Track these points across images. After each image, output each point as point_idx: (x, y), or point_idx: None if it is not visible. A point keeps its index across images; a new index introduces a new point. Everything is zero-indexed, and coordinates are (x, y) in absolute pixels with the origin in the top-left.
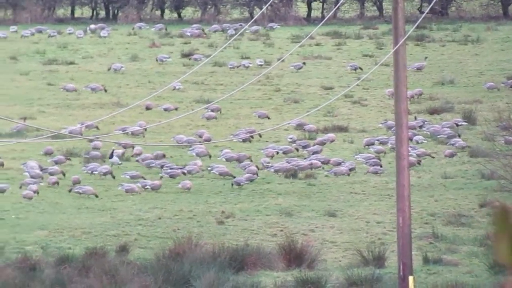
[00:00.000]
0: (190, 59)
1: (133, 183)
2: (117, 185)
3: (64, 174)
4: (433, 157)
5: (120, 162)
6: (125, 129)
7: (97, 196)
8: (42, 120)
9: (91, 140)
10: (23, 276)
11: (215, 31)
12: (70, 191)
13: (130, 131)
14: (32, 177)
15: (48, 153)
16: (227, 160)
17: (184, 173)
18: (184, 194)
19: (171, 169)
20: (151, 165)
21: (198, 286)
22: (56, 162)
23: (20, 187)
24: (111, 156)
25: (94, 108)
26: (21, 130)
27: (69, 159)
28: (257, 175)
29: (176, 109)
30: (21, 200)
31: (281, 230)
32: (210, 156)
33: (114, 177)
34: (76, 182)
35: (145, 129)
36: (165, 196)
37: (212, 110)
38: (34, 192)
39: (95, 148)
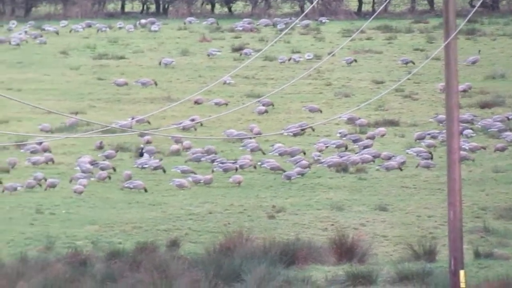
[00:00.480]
0: (240, 54)
1: (184, 177)
2: (168, 180)
3: (114, 169)
4: (485, 149)
5: (150, 159)
6: (180, 124)
7: (146, 191)
8: (92, 114)
9: (142, 135)
10: (73, 271)
11: (265, 25)
12: (122, 188)
13: (182, 126)
14: (83, 171)
15: (99, 148)
16: (280, 154)
17: (236, 169)
18: (235, 188)
19: (222, 163)
20: (201, 159)
21: (249, 281)
22: (107, 157)
23: (70, 181)
24: (141, 154)
25: (145, 103)
26: (73, 124)
27: (117, 151)
28: (309, 168)
29: (226, 104)
30: (71, 195)
31: (332, 224)
32: (264, 152)
33: (165, 171)
34: (128, 178)
35: (201, 124)
36: (215, 191)
37: (264, 105)
38: (85, 186)
39: (148, 143)
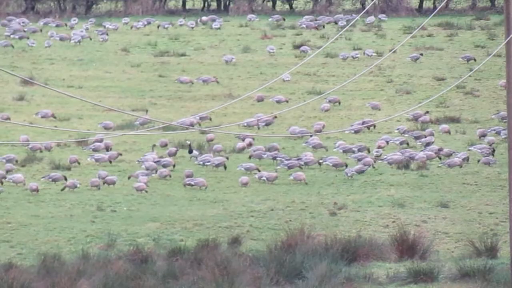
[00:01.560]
0: (301, 51)
1: (248, 175)
2: (230, 177)
3: (174, 166)
4: None
5: (198, 154)
6: (244, 122)
7: (206, 188)
8: (153, 112)
9: (204, 132)
10: (135, 269)
11: (327, 23)
12: (184, 186)
13: (246, 123)
14: (147, 169)
15: (162, 145)
16: (344, 151)
17: (300, 166)
18: (296, 185)
19: (287, 160)
20: (263, 156)
21: (311, 278)
22: (169, 154)
23: (129, 178)
24: (190, 151)
25: (206, 100)
26: (145, 122)
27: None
28: (373, 166)
29: (287, 101)
30: (132, 192)
31: (394, 221)
32: (326, 149)
33: (225, 168)
34: (189, 175)
35: (276, 116)
36: (277, 188)
37: (330, 102)
38: (146, 184)
39: (209, 140)
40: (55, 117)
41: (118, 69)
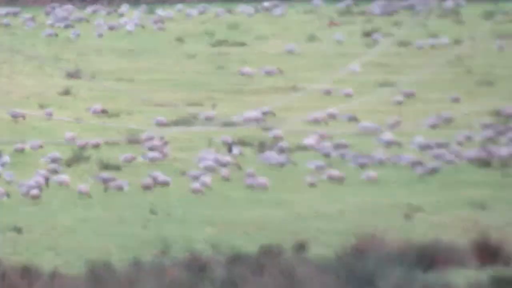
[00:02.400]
0: (372, 39)
1: (316, 174)
2: (294, 176)
3: (240, 167)
4: None
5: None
6: (309, 117)
7: (268, 188)
8: (211, 106)
9: (266, 128)
10: (191, 276)
11: (401, 8)
12: (246, 186)
13: (312, 118)
14: (205, 168)
15: (222, 143)
16: (420, 148)
17: (372, 164)
18: (368, 186)
19: (356, 157)
20: (331, 154)
21: (383, 286)
22: (228, 152)
23: (184, 176)
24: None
25: (268, 93)
26: (209, 118)
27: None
28: (451, 164)
29: (356, 94)
30: (188, 194)
31: (474, 225)
32: (399, 145)
33: (295, 164)
34: (250, 175)
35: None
36: (347, 188)
37: (403, 94)
38: (204, 185)
39: (276, 138)
40: (106, 112)
41: (171, 61)
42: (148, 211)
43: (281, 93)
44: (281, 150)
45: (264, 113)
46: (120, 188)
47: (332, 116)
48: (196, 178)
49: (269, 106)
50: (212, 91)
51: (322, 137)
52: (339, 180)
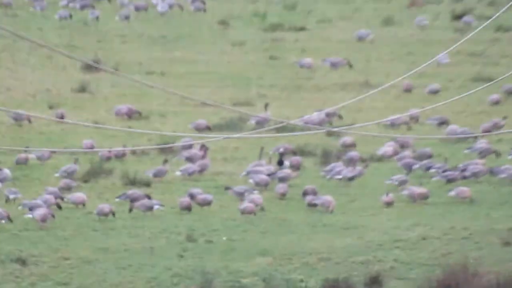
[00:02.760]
0: (464, 23)
1: (394, 191)
2: (369, 193)
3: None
4: None
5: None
6: (387, 119)
7: (332, 212)
8: (262, 107)
9: (332, 133)
10: None
11: None
12: (307, 206)
13: (389, 121)
14: (256, 184)
15: (280, 152)
16: None
17: (464, 177)
18: (458, 205)
19: (444, 171)
20: (413, 166)
21: None
22: (284, 164)
23: (230, 194)
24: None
25: (334, 90)
26: (261, 121)
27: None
28: None
29: (443, 90)
30: (236, 216)
31: None
32: (497, 154)
33: (368, 179)
34: (312, 193)
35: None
36: (431, 209)
37: (503, 92)
38: (255, 204)
39: (346, 146)
40: (133, 114)
41: (215, 49)
42: (185, 237)
43: (350, 90)
44: (351, 162)
45: (329, 115)
46: (149, 209)
47: (414, 119)
48: (244, 196)
49: (335, 106)
50: (264, 88)
51: (402, 145)
52: (422, 198)
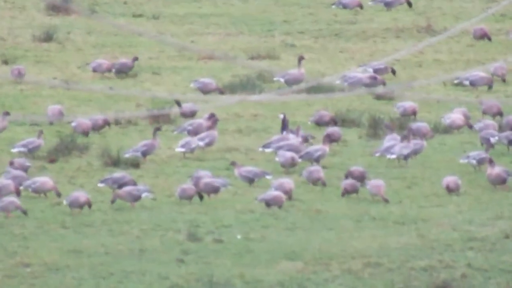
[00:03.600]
0: None
1: (470, 173)
2: (429, 175)
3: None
4: None
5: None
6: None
7: (387, 201)
8: (291, 60)
9: (382, 96)
10: None
11: None
12: (343, 194)
13: (459, 79)
14: (282, 165)
15: (282, 119)
16: None
17: None
18: None
19: None
20: (491, 139)
21: None
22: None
23: (234, 168)
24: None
25: (385, 38)
26: (290, 80)
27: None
28: None
29: None
30: (254, 207)
31: None
32: None
33: (428, 157)
34: (356, 177)
35: None
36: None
37: None
38: (282, 192)
39: (406, 114)
40: (117, 71)
41: None
42: (186, 236)
43: (406, 37)
44: (408, 134)
45: (379, 71)
46: (136, 198)
47: (497, 76)
48: (254, 181)
49: (386, 58)
50: (291, 35)
51: (484, 111)
52: (502, 183)
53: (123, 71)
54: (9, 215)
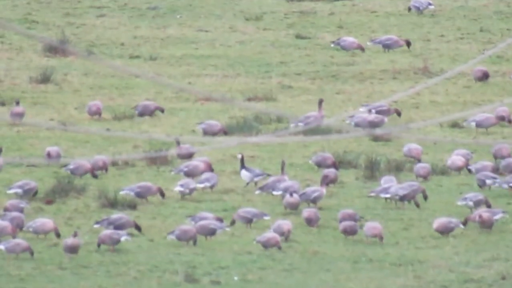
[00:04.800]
0: None
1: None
2: (426, 215)
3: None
4: None
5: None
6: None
7: (381, 241)
8: (286, 101)
9: (378, 138)
10: None
11: None
12: (344, 232)
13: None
14: (285, 206)
15: (240, 158)
16: None
17: None
18: None
19: None
20: (486, 181)
21: None
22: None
23: (232, 224)
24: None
25: (387, 78)
26: (288, 121)
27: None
28: None
29: None
30: (252, 249)
31: None
32: None
33: (425, 199)
34: (351, 217)
35: None
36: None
37: None
38: (280, 234)
39: (412, 156)
40: (114, 114)
41: (222, 26)
42: (184, 277)
43: (403, 79)
44: (418, 175)
45: (383, 112)
46: (116, 242)
47: (497, 117)
48: (252, 222)
49: (386, 99)
50: (288, 77)
51: (495, 155)
52: (488, 224)
53: (144, 113)
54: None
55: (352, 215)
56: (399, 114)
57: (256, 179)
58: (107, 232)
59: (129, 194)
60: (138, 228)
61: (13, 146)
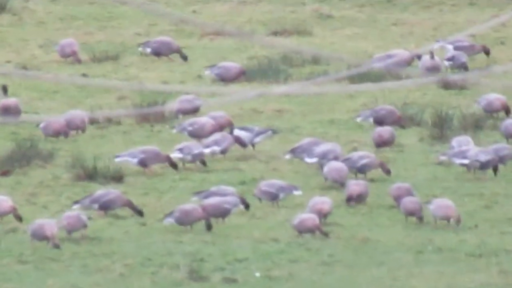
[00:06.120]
0: None
1: None
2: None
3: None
4: None
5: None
6: None
7: (457, 223)
8: (322, 32)
9: (449, 85)
10: None
11: None
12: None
13: None
14: (325, 177)
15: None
16: None
17: None
18: None
19: None
20: None
21: None
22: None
23: (246, 207)
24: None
25: (454, 5)
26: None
27: None
28: None
29: None
30: (278, 235)
31: None
32: None
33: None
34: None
35: None
36: None
37: None
38: (323, 215)
39: (492, 110)
40: (90, 55)
41: None
42: (187, 273)
43: (486, 2)
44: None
45: (464, 48)
46: (83, 226)
47: None
48: (279, 197)
49: (464, 33)
50: (328, 2)
51: None
52: None
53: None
54: None
55: (408, 190)
56: (487, 52)
57: (257, 139)
58: (72, 213)
59: (130, 162)
60: (136, 210)
61: None
